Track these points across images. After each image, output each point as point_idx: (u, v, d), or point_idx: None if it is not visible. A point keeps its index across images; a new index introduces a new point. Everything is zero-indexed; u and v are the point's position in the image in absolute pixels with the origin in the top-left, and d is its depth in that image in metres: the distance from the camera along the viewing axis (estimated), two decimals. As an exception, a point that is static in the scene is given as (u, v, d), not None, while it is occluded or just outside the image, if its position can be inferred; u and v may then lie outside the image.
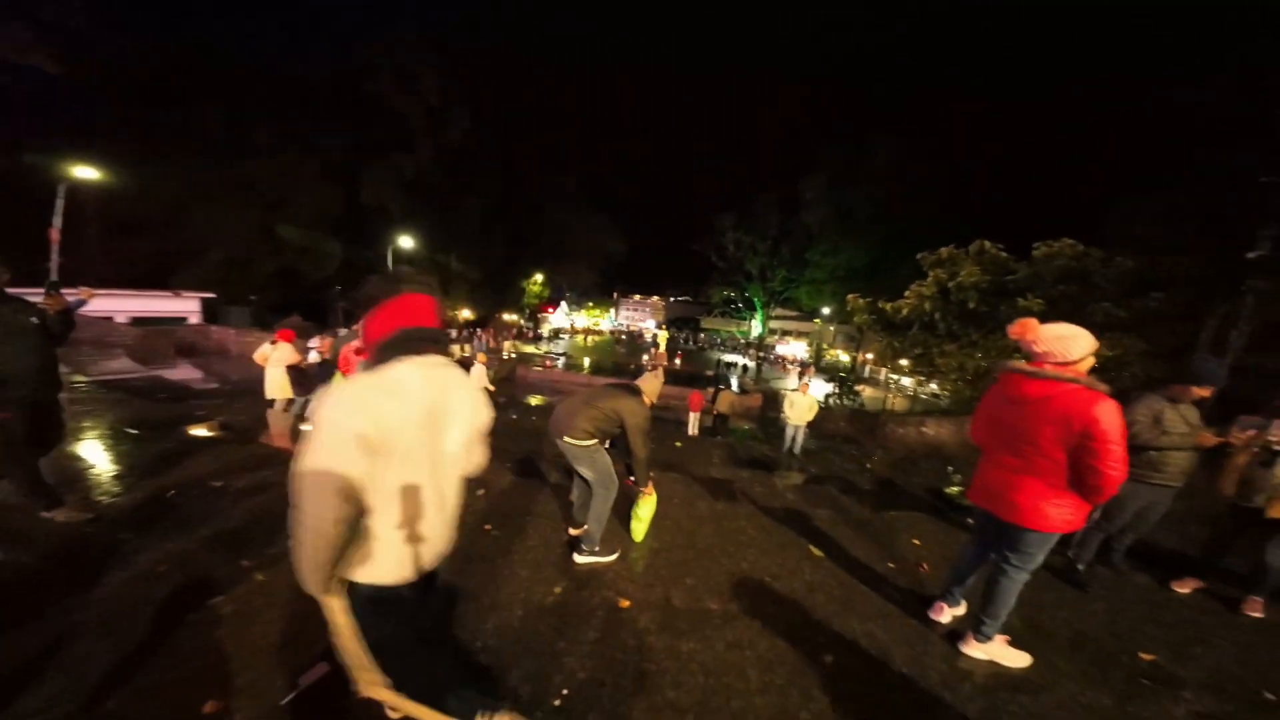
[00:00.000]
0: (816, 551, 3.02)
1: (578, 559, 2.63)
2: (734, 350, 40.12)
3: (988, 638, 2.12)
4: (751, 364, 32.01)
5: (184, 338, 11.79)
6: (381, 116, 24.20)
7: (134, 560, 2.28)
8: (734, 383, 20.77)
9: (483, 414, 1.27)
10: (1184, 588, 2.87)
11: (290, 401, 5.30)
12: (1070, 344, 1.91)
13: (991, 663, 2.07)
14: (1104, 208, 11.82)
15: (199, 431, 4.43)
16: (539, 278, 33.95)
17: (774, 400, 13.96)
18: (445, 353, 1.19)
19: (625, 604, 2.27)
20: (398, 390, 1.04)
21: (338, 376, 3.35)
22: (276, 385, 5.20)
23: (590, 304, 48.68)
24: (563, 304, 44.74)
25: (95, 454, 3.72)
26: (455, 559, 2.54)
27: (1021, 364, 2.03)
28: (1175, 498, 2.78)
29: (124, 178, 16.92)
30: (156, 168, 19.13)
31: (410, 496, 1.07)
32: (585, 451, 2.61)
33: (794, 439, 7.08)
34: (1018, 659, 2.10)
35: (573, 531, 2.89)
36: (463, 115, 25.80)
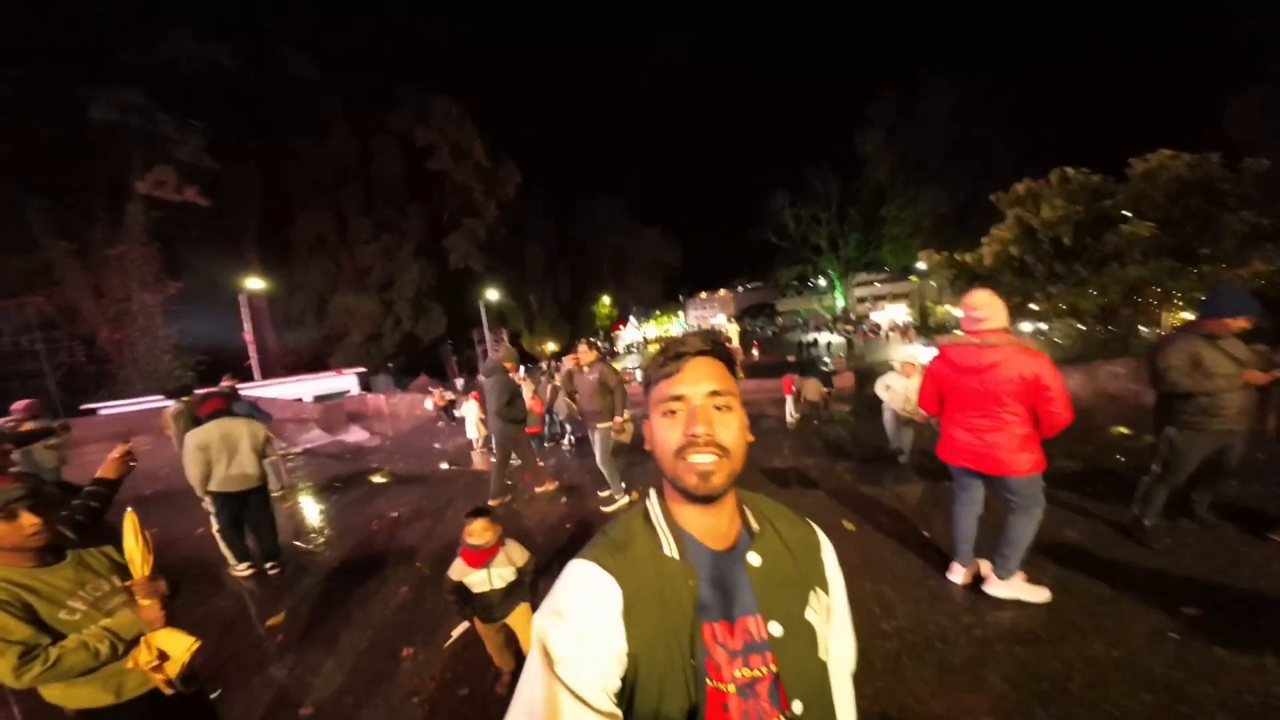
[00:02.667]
0: (849, 525, 3.35)
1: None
2: (819, 328, 37.99)
3: (1009, 573, 2.37)
4: (837, 339, 30.14)
5: (350, 407, 15.08)
6: (449, 190, 28.05)
7: (363, 567, 3.52)
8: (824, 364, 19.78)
9: (259, 436, 3.55)
10: None
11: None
12: (999, 311, 2.24)
13: (995, 617, 2.31)
14: (1212, 108, 9.53)
15: (377, 479, 6.06)
16: (606, 300, 36.03)
17: (870, 375, 13.19)
18: (232, 415, 3.54)
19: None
20: (208, 429, 3.40)
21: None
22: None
23: (658, 312, 49.82)
24: (631, 319, 46.43)
25: (317, 506, 5.38)
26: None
27: (964, 337, 2.33)
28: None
29: (278, 283, 21.95)
30: (298, 271, 24.49)
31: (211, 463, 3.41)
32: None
33: (901, 439, 4.81)
34: (1038, 594, 2.33)
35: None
36: (512, 173, 28.75)
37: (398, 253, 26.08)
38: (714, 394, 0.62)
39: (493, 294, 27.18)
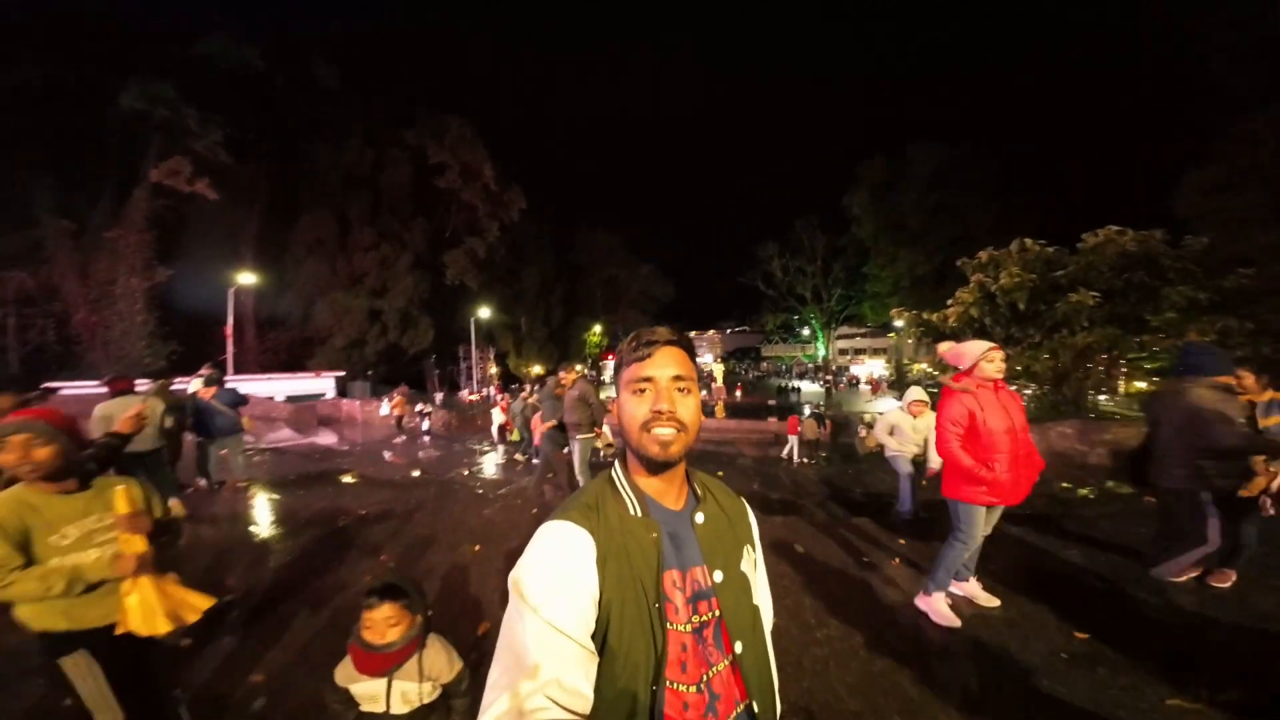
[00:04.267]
0: (800, 548, 3.56)
1: None
2: (801, 375, 38.91)
3: (929, 591, 2.66)
4: (816, 387, 30.89)
5: (323, 411, 14.82)
6: (455, 208, 28.81)
7: (326, 555, 3.56)
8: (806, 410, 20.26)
9: (157, 411, 4.16)
10: (1223, 581, 2.78)
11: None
12: (959, 358, 2.61)
13: (913, 633, 2.53)
14: (1167, 187, 10.85)
15: (346, 479, 6.06)
16: (597, 329, 36.63)
17: (846, 426, 13.40)
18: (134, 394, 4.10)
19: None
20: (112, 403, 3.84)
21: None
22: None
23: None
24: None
25: (283, 499, 5.34)
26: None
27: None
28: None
29: (269, 280, 21.85)
30: (290, 270, 24.47)
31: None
32: None
33: (911, 490, 4.23)
34: (948, 619, 2.55)
35: None
36: (518, 198, 29.77)
37: (395, 263, 26.33)
38: (677, 378, 0.72)
39: (485, 312, 27.45)
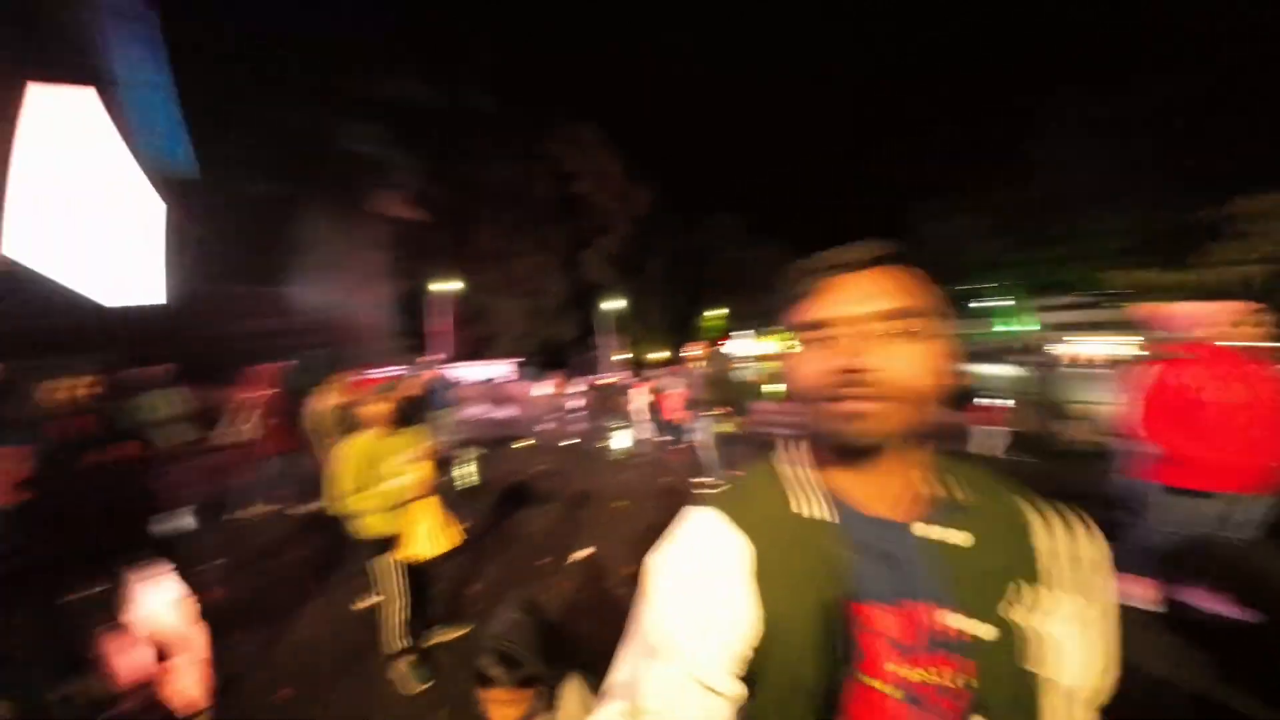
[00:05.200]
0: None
1: None
2: (989, 358, 31.94)
3: (1121, 577, 2.53)
4: (1005, 369, 25.20)
5: (501, 391, 18.39)
6: (590, 211, 31.75)
7: (513, 502, 4.80)
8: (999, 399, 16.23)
9: None
10: None
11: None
12: (1185, 322, 2.25)
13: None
14: None
15: (525, 444, 7.79)
16: (718, 312, 36.49)
17: (1052, 416, 10.56)
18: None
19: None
20: None
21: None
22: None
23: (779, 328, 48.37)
24: (746, 333, 46.10)
25: (482, 459, 7.02)
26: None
27: None
28: None
29: (458, 286, 27.60)
30: (471, 275, 30.28)
31: None
32: None
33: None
34: (1148, 600, 2.43)
35: None
36: (644, 193, 31.25)
37: (547, 266, 30.49)
38: (884, 316, 0.46)
39: (615, 304, 29.84)
